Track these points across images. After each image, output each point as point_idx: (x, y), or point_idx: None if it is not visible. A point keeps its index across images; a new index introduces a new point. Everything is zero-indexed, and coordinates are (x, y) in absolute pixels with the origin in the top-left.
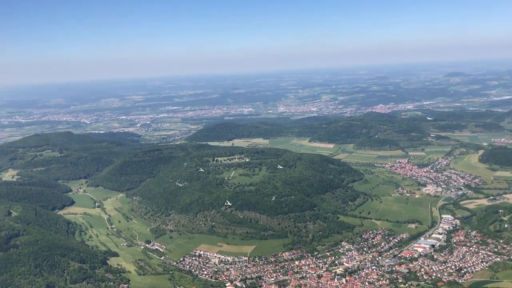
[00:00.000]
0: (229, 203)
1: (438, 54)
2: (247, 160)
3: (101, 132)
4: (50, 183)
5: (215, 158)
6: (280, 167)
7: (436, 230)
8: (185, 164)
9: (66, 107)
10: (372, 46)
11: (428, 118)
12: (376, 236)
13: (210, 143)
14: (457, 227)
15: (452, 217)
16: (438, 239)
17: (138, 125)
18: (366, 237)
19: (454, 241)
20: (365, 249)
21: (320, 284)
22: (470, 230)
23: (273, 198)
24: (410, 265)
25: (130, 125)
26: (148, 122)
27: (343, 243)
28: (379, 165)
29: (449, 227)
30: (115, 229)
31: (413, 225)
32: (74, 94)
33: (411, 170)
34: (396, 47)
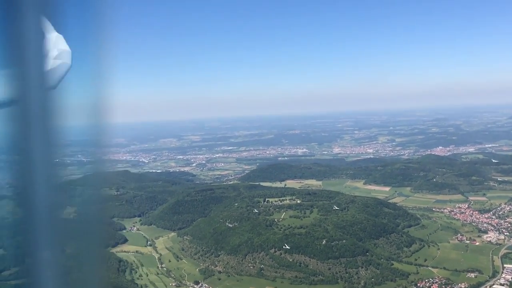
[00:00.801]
0: (287, 246)
1: (501, 95)
2: (298, 201)
3: (158, 171)
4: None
5: (266, 199)
6: (336, 208)
7: (498, 281)
8: (236, 204)
9: (126, 146)
10: (431, 87)
11: (493, 161)
12: (432, 285)
13: (262, 183)
14: None
15: None
16: None
17: (194, 164)
18: (421, 285)
19: None
20: None
21: None
22: None
23: (324, 242)
24: None
25: (186, 165)
26: (203, 162)
27: None
28: (437, 210)
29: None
30: (165, 269)
31: (472, 275)
32: (135, 134)
33: (471, 216)
34: (457, 88)
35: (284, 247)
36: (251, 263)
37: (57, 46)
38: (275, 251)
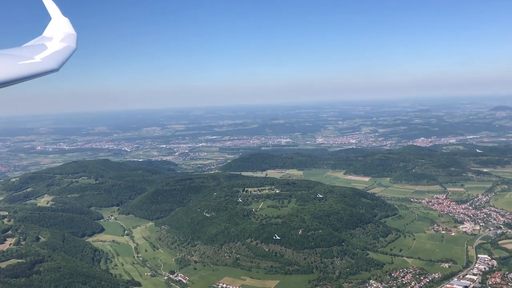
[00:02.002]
0: (277, 237)
1: (484, 87)
2: (277, 191)
3: (140, 160)
4: (82, 209)
5: (245, 189)
6: (320, 195)
7: (471, 271)
8: (214, 194)
9: (109, 135)
10: (416, 79)
11: (478, 151)
12: (406, 275)
13: (243, 173)
14: (494, 268)
15: (489, 258)
16: (472, 280)
17: (177, 153)
18: (395, 275)
19: (490, 283)
20: None
21: None
22: (507, 272)
23: (300, 232)
24: None
25: (168, 154)
26: (186, 151)
27: (371, 281)
28: (416, 200)
29: (485, 268)
30: (141, 258)
31: (446, 265)
32: (118, 122)
33: (448, 207)
34: (441, 80)
35: (274, 237)
36: (227, 252)
37: (63, 29)
38: (251, 241)
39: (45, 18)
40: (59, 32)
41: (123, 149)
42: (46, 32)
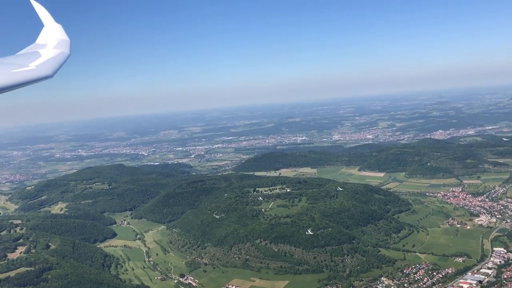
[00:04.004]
0: (310, 232)
1: (504, 77)
2: (288, 190)
3: (156, 163)
4: (95, 215)
5: (256, 189)
6: (340, 189)
7: (486, 265)
8: (225, 195)
9: (127, 140)
10: (434, 71)
11: (504, 139)
12: (418, 271)
13: (257, 173)
14: (510, 261)
15: (505, 251)
16: (487, 274)
17: (192, 156)
18: (407, 272)
19: (505, 276)
20: (405, 285)
21: None
22: None
23: (309, 231)
24: None
25: (184, 156)
26: (202, 153)
27: (382, 278)
28: (431, 194)
29: (500, 261)
30: (152, 262)
31: (460, 259)
32: (136, 127)
33: (464, 200)
34: (460, 71)
35: (307, 233)
36: (236, 254)
37: (56, 36)
38: (261, 242)
39: (38, 25)
40: (52, 38)
41: (140, 153)
42: (40, 39)
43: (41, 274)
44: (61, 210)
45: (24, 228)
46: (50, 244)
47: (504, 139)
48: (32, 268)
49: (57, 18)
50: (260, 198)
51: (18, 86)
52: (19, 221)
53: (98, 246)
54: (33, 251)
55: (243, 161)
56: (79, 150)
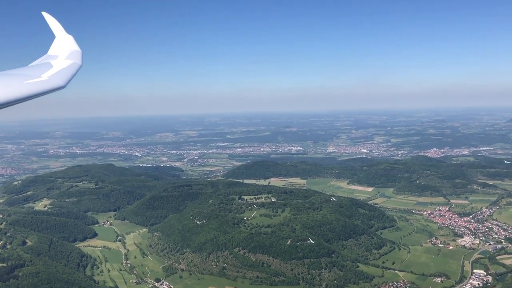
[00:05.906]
0: (311, 241)
1: (503, 98)
2: (273, 200)
3: (148, 165)
4: (78, 214)
5: (242, 196)
6: (334, 199)
7: (464, 287)
8: (210, 201)
9: (122, 140)
10: (434, 88)
11: (506, 162)
12: None
13: (246, 180)
14: (488, 284)
15: (485, 273)
16: None
17: (186, 159)
18: None
19: None
20: None
21: None
22: None
23: (289, 242)
24: None
25: (177, 160)
26: (195, 157)
27: None
28: (417, 212)
29: (478, 284)
30: (129, 265)
31: (439, 279)
32: (133, 127)
33: (450, 219)
34: (459, 90)
35: (308, 241)
36: (214, 261)
37: (68, 47)
38: (239, 250)
39: (50, 36)
40: (64, 50)
41: (134, 154)
42: (51, 51)
43: (12, 270)
44: (44, 207)
45: (4, 223)
46: (27, 240)
47: (505, 161)
48: (4, 264)
49: (67, 28)
50: (244, 207)
51: (31, 97)
52: (0, 216)
53: (77, 246)
54: (8, 246)
55: (234, 168)
56: (74, 148)
